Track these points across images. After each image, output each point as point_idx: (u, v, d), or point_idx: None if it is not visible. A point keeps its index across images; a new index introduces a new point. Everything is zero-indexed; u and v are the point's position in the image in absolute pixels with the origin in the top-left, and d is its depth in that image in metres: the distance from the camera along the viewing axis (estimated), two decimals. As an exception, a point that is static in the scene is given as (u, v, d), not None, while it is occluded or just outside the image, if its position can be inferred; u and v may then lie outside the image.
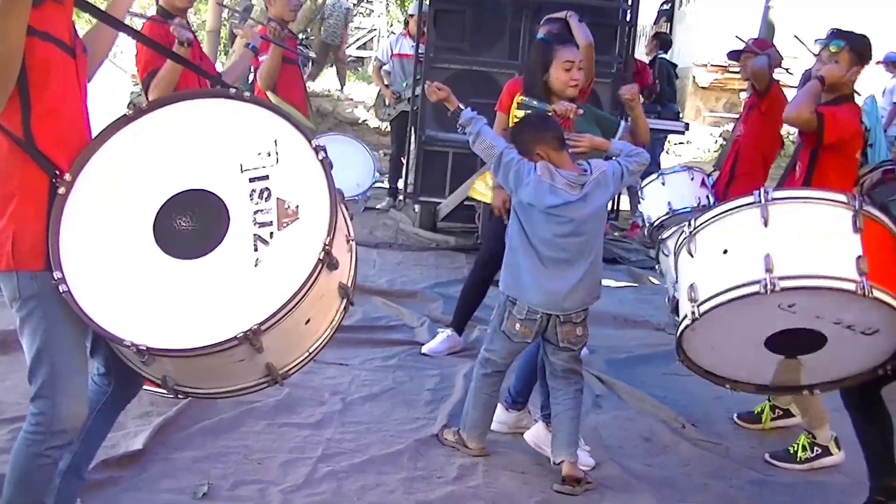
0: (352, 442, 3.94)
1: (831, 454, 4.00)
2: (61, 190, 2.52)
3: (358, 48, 28.50)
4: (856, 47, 3.96)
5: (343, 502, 3.43)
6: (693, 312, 3.06)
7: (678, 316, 3.36)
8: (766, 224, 3.02)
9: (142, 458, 3.58)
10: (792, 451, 4.04)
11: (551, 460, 3.71)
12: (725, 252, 3.10)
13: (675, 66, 11.72)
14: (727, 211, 3.18)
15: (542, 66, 4.03)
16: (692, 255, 3.21)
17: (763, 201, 3.05)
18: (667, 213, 5.07)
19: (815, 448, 4.00)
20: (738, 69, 5.47)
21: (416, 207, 8.77)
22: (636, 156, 3.69)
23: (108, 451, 3.33)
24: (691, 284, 3.12)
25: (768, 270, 2.89)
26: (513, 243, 3.71)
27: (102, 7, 2.88)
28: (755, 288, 2.91)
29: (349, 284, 2.70)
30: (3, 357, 4.52)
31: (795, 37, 4.34)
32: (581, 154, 3.76)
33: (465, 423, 3.90)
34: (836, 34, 4.01)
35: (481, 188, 5.23)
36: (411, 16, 9.96)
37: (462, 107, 3.76)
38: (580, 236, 3.61)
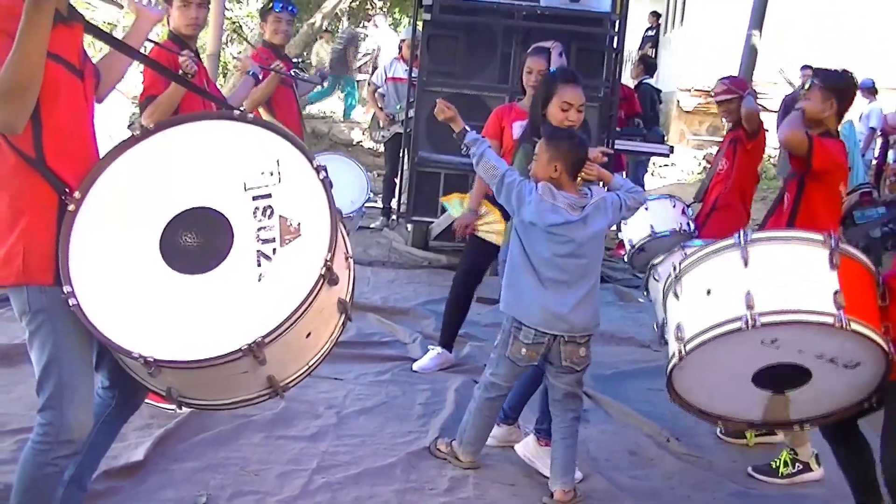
0: (346, 454, 3.95)
1: (812, 470, 4.02)
2: (71, 206, 2.53)
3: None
4: (828, 84, 3.99)
5: (338, 513, 3.44)
6: (680, 351, 3.07)
7: (663, 339, 3.40)
8: (746, 264, 3.05)
9: (142, 469, 3.59)
10: (774, 466, 4.06)
11: (549, 486, 3.72)
12: (709, 292, 3.12)
13: (659, 91, 11.81)
14: (710, 253, 3.20)
15: (544, 98, 4.07)
16: (678, 298, 3.24)
17: (743, 243, 3.08)
18: (648, 236, 5.13)
19: (797, 464, 4.03)
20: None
21: (409, 227, 8.78)
22: (635, 193, 3.72)
23: (109, 461, 3.33)
24: (678, 325, 3.14)
25: (749, 307, 2.92)
26: (514, 263, 3.69)
27: (112, 31, 2.92)
28: (738, 324, 2.93)
29: (348, 300, 2.71)
30: (8, 370, 4.53)
31: (780, 71, 4.40)
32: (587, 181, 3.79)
33: (462, 437, 3.90)
34: (812, 72, 4.05)
35: (456, 204, 5.23)
36: (403, 41, 10.02)
37: (468, 128, 3.79)
38: (580, 258, 3.59)
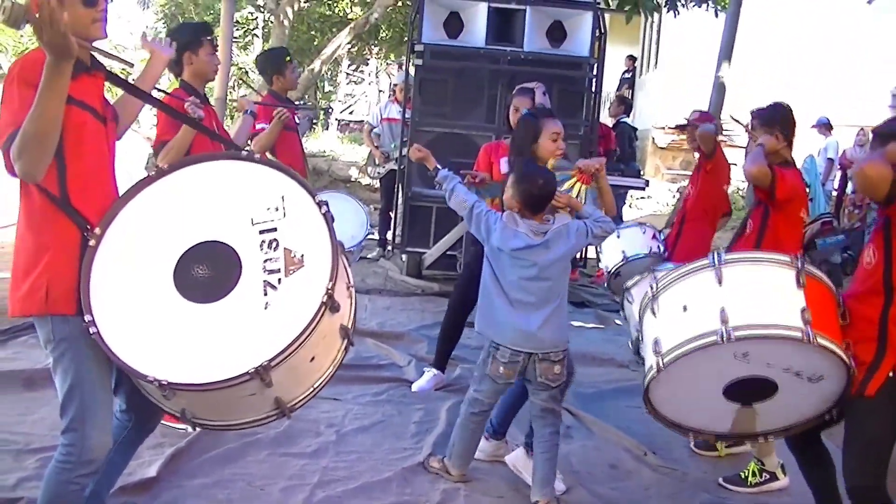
0: (345, 470, 3.95)
1: (778, 479, 4.04)
2: (92, 242, 2.56)
3: (351, 113, 28.72)
4: (768, 121, 4.05)
5: (338, 525, 3.45)
6: (658, 364, 3.07)
7: (640, 357, 3.40)
8: (720, 283, 3.06)
9: (155, 485, 3.60)
10: (743, 476, 4.08)
11: (531, 498, 3.73)
12: (685, 309, 3.13)
13: (636, 129, 11.92)
14: (686, 273, 3.21)
15: (533, 136, 4.11)
16: (655, 315, 3.23)
17: (717, 263, 3.10)
18: (622, 261, 5.18)
19: (764, 474, 4.05)
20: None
21: (404, 257, 8.81)
22: (603, 223, 3.73)
23: (125, 478, 3.32)
24: (655, 339, 3.14)
25: (724, 322, 2.93)
26: (486, 287, 3.76)
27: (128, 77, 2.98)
28: (713, 338, 2.94)
29: (349, 326, 2.72)
30: (32, 393, 4.54)
31: (731, 116, 4.45)
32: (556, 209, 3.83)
33: (451, 452, 3.92)
34: (752, 114, 4.11)
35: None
36: (395, 85, 10.12)
37: (439, 166, 3.88)
38: (544, 281, 3.63)
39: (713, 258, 3.13)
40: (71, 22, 2.42)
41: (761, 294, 3.05)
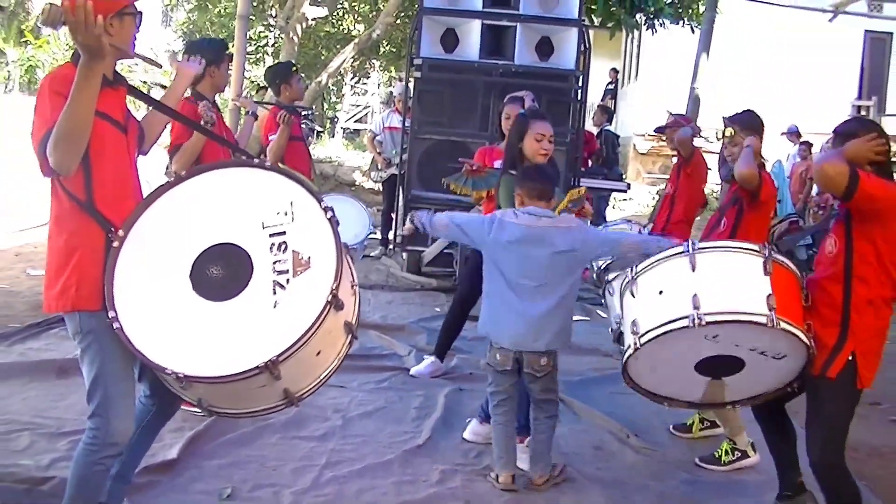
0: (351, 452, 3.95)
1: (749, 457, 4.05)
2: (115, 243, 2.56)
3: (355, 122, 28.71)
4: (747, 125, 4.01)
5: (343, 502, 3.44)
6: (635, 343, 3.10)
7: (620, 344, 3.41)
8: (693, 269, 3.08)
9: (176, 465, 3.61)
10: (717, 456, 4.09)
11: (528, 474, 3.72)
12: (661, 293, 3.14)
13: (618, 136, 11.95)
14: (662, 259, 3.21)
15: (519, 135, 4.11)
16: (634, 296, 3.25)
17: (691, 251, 3.11)
18: (610, 258, 5.17)
19: (736, 452, 4.05)
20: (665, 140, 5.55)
21: (404, 255, 8.79)
22: (609, 249, 3.72)
23: (148, 459, 3.33)
24: (633, 320, 3.16)
25: (696, 308, 2.95)
26: (487, 290, 3.67)
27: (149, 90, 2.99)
28: (686, 322, 2.96)
29: (353, 322, 2.71)
30: (64, 381, 4.56)
31: (723, 118, 4.43)
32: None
33: (494, 458, 3.72)
34: (727, 121, 4.11)
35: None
36: (396, 96, 10.13)
37: (419, 227, 3.75)
38: (539, 278, 3.50)
39: (688, 246, 3.14)
40: (118, 38, 2.52)
41: (731, 281, 3.07)
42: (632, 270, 3.31)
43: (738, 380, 3.17)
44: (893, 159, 3.20)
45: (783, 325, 2.92)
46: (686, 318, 2.96)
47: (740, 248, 3.16)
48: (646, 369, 3.23)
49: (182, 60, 3.32)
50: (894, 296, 3.07)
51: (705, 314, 2.94)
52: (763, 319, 2.92)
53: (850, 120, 3.40)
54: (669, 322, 3.02)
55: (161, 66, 2.98)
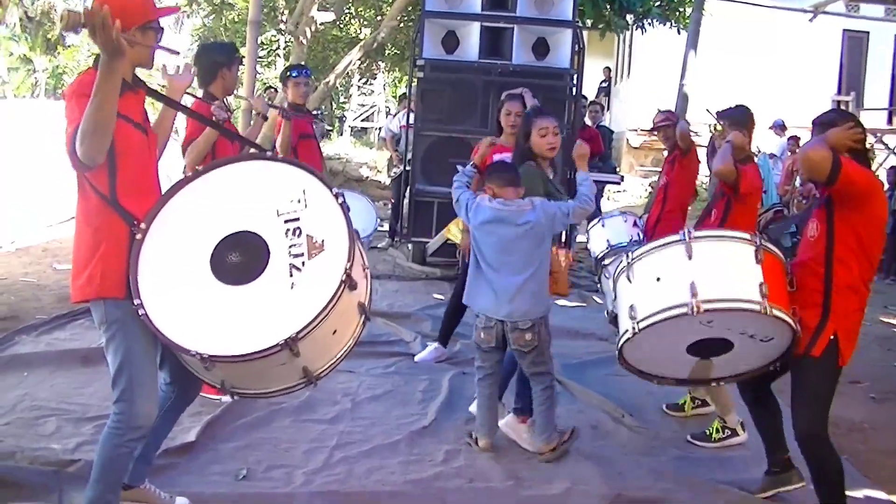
0: (360, 434, 3.97)
1: (738, 435, 4.06)
2: (138, 236, 2.57)
3: (363, 120, 28.67)
4: (736, 120, 4.03)
5: (353, 481, 3.45)
6: (633, 328, 3.08)
7: (615, 326, 3.41)
8: (689, 257, 3.07)
9: (194, 448, 3.63)
10: (708, 433, 4.10)
11: (534, 444, 3.77)
12: (658, 280, 3.12)
13: (612, 131, 11.93)
14: (659, 246, 3.20)
15: (525, 134, 4.10)
16: (630, 281, 3.22)
17: (687, 239, 3.10)
18: (607, 248, 5.17)
19: (726, 430, 4.07)
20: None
21: (410, 246, 8.82)
22: (585, 202, 3.71)
23: (168, 442, 3.34)
24: (631, 305, 3.13)
25: (694, 295, 2.95)
26: (470, 264, 3.79)
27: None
28: (684, 310, 2.95)
29: (366, 303, 2.71)
30: (88, 368, 4.58)
31: (707, 110, 4.41)
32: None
33: (476, 425, 3.90)
34: (718, 115, 4.10)
35: (455, 231, 5.32)
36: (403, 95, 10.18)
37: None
38: (513, 252, 3.60)
39: (684, 234, 3.14)
40: (138, 57, 2.60)
41: (725, 269, 3.06)
42: (628, 255, 3.30)
43: (725, 359, 3.18)
44: (868, 148, 3.20)
45: (775, 312, 2.93)
46: (684, 305, 2.96)
47: (733, 237, 3.17)
48: (641, 352, 3.23)
49: (174, 73, 3.29)
50: (872, 278, 3.10)
51: (703, 302, 2.94)
52: (757, 307, 2.92)
53: (828, 111, 3.41)
54: (668, 309, 3.01)
55: (178, 53, 2.93)
